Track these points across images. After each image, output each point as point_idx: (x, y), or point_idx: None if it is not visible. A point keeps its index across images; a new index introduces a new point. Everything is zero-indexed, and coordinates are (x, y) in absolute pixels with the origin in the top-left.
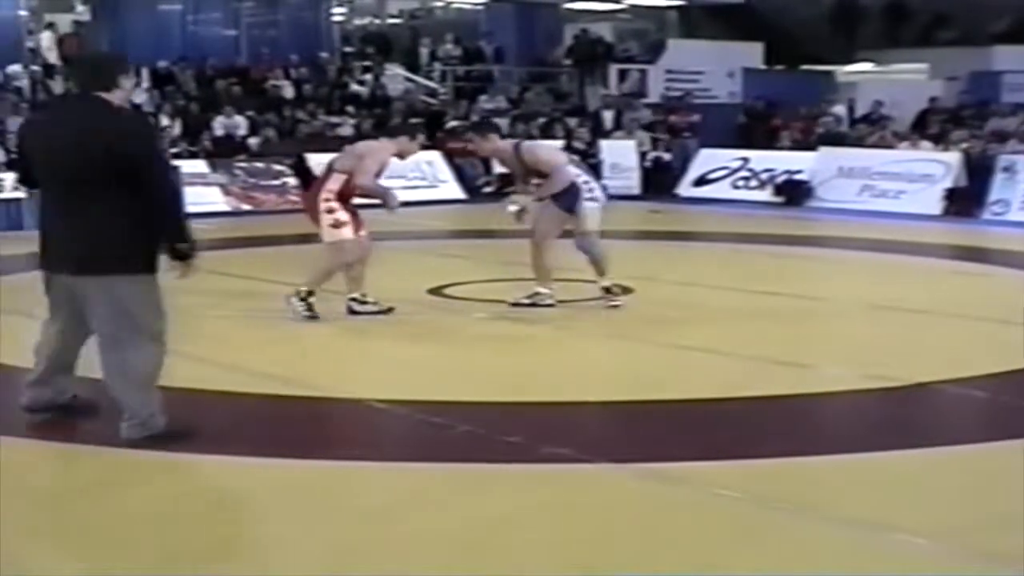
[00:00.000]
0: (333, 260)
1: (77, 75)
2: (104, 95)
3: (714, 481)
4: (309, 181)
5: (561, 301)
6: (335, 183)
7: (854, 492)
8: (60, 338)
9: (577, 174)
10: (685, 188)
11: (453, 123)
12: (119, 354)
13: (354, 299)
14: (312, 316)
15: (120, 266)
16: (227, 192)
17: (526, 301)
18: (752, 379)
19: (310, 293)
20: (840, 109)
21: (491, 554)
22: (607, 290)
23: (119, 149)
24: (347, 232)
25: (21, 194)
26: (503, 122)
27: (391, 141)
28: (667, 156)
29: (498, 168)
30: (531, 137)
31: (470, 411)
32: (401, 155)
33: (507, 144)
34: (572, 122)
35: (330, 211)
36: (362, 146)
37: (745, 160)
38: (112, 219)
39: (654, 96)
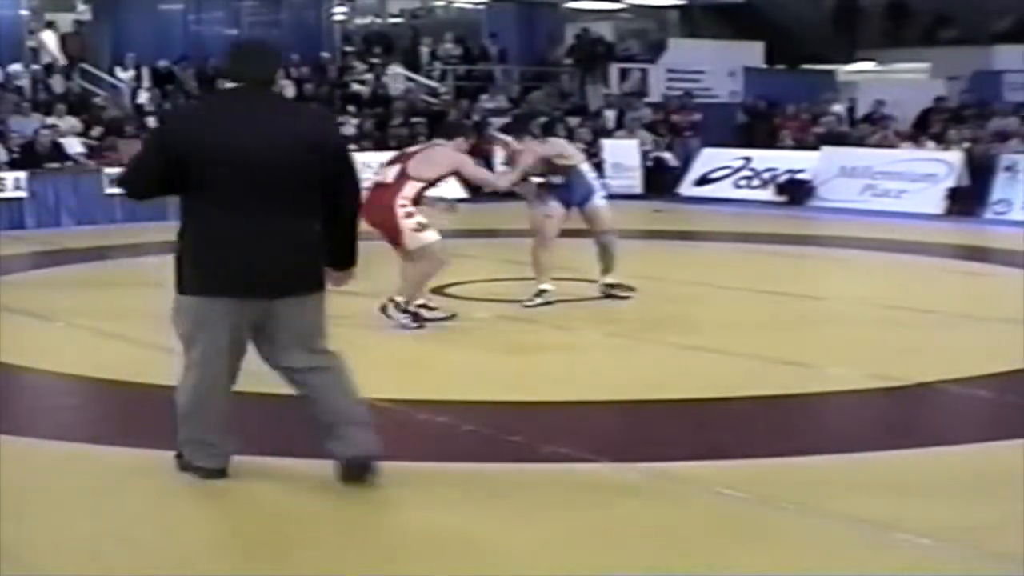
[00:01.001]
0: (427, 265)
1: (246, 66)
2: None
3: (717, 481)
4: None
5: (564, 301)
6: (411, 190)
7: (857, 492)
8: (226, 380)
9: (588, 170)
10: (687, 188)
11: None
12: (333, 374)
13: (395, 301)
14: (420, 325)
15: (320, 282)
16: None
17: (539, 301)
18: (754, 378)
19: (407, 302)
20: (840, 108)
21: (493, 553)
22: (611, 286)
23: (329, 151)
24: (432, 235)
25: (23, 193)
26: (504, 122)
27: (457, 140)
28: (668, 156)
29: (500, 168)
30: (533, 136)
31: (473, 410)
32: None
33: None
34: (573, 121)
35: (409, 215)
36: (440, 154)
37: (747, 160)
38: (313, 228)
39: (655, 95)
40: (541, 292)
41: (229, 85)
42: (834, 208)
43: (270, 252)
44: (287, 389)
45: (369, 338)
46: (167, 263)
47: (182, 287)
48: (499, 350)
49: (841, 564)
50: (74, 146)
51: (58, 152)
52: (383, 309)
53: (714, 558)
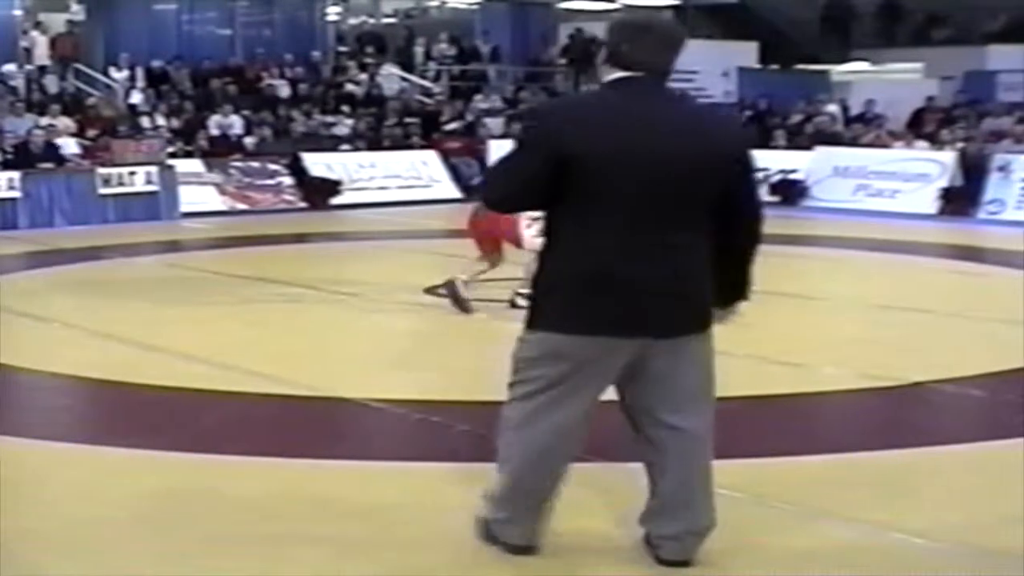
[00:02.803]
0: None
1: (647, 50)
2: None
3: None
4: (303, 180)
5: None
6: None
7: (851, 491)
8: (572, 446)
9: None
10: None
11: (452, 125)
12: (701, 444)
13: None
14: None
15: (710, 319)
16: (223, 192)
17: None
18: (748, 378)
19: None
20: (834, 108)
21: (486, 553)
22: None
23: (739, 163)
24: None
25: (16, 194)
26: (498, 122)
27: None
28: None
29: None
30: None
31: (468, 411)
32: None
33: None
34: None
35: (535, 219)
36: None
37: None
38: (705, 254)
39: None
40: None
41: (617, 75)
42: (827, 208)
43: (664, 280)
44: (283, 389)
45: (363, 339)
46: (160, 263)
47: (539, 321)
48: (495, 349)
49: (836, 564)
50: (69, 146)
51: (52, 152)
52: (513, 304)
53: (710, 557)
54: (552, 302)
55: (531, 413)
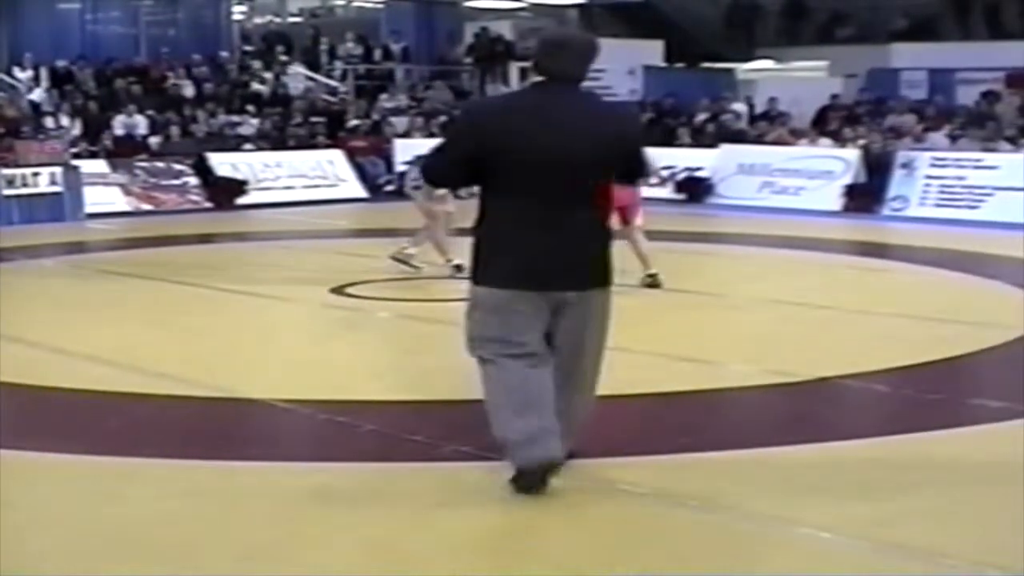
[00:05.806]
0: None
1: (555, 61)
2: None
3: (618, 477)
4: (209, 180)
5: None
6: None
7: (757, 487)
8: (550, 372)
9: None
10: None
11: (355, 121)
12: (587, 379)
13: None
14: None
15: (608, 277)
16: (128, 192)
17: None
18: (655, 375)
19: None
20: (740, 106)
21: (397, 552)
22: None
23: (627, 148)
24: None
25: None
26: (404, 121)
27: None
28: None
29: (400, 167)
30: (432, 135)
31: (375, 410)
32: None
33: None
34: None
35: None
36: None
37: None
38: (604, 223)
39: None
40: (458, 267)
41: (538, 79)
42: (732, 205)
43: (564, 246)
44: (188, 390)
45: (269, 339)
46: (65, 265)
47: (477, 277)
48: (401, 349)
49: (743, 559)
50: None
51: None
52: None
53: (616, 553)
54: (478, 262)
55: (488, 368)
